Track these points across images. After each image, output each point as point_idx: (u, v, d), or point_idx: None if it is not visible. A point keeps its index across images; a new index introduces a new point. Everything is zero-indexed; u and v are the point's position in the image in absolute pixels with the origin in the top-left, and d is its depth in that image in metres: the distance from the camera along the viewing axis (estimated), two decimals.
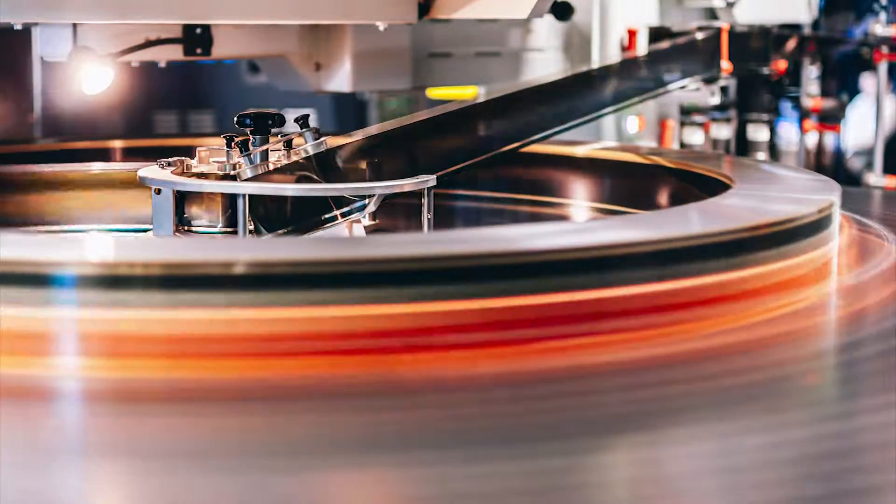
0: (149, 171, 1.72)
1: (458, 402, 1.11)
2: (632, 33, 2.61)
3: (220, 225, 1.68)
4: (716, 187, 1.71)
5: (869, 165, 2.83)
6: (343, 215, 1.69)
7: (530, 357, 1.20)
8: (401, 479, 0.96)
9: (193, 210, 1.69)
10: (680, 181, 1.94)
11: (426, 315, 1.18)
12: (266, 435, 1.04)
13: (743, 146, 2.81)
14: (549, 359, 1.20)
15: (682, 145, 2.73)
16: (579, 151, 2.16)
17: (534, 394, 1.14)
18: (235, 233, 1.65)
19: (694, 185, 1.86)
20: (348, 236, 1.70)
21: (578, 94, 2.05)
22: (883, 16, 2.66)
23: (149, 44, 2.07)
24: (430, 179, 1.70)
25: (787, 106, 2.94)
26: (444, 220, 2.16)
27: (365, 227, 1.74)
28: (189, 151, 1.75)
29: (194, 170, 1.72)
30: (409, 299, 1.18)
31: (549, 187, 2.17)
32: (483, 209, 2.21)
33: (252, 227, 1.64)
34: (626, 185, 2.07)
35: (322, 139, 1.72)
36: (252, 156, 1.67)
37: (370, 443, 1.02)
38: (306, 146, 1.71)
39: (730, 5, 2.75)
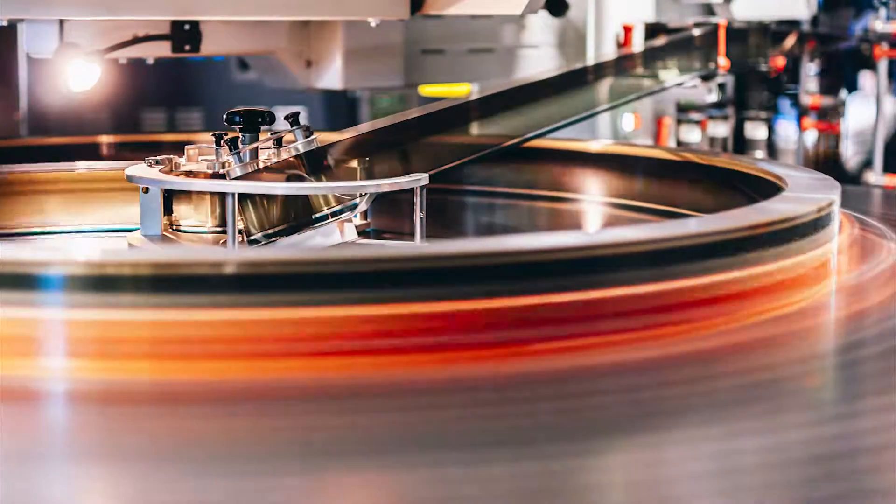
0: (136, 169, 1.71)
1: (454, 404, 1.10)
2: (627, 30, 2.61)
3: (209, 224, 1.68)
4: (766, 188, 1.70)
5: (868, 164, 2.82)
6: (334, 214, 1.68)
7: (528, 358, 1.19)
8: (396, 482, 0.95)
9: (182, 209, 1.68)
10: (729, 182, 1.92)
11: (422, 316, 1.17)
12: (258, 437, 1.02)
13: (741, 144, 2.81)
14: (547, 360, 1.19)
15: (679, 143, 2.72)
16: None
17: (531, 395, 1.12)
18: (224, 232, 1.64)
19: (745, 186, 1.84)
20: (340, 236, 1.69)
21: (573, 91, 2.04)
22: (883, 12, 2.65)
23: (136, 40, 2.07)
24: (423, 178, 1.69)
25: (785, 103, 2.93)
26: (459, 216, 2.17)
27: (356, 227, 1.73)
28: (178, 149, 1.74)
29: (183, 168, 1.71)
30: (404, 300, 1.17)
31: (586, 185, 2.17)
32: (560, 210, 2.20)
33: (241, 227, 1.63)
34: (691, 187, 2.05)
35: (313, 137, 1.71)
36: (241, 154, 1.66)
37: (365, 445, 1.01)
38: (297, 144, 1.70)
39: (727, 1, 2.74)
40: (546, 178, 2.17)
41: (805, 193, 1.54)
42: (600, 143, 2.22)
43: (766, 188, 1.69)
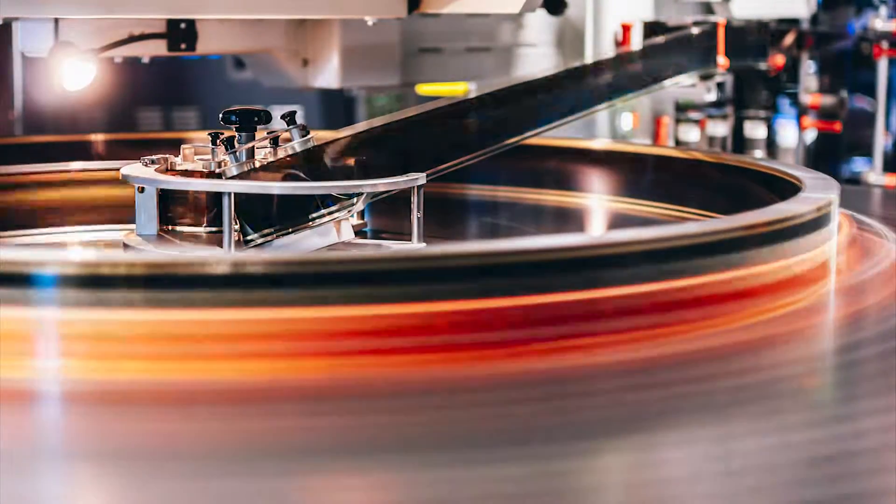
0: (132, 168, 1.70)
1: (450, 404, 1.10)
2: (626, 28, 2.61)
3: (205, 224, 1.67)
4: (783, 188, 1.69)
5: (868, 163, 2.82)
6: (330, 214, 1.68)
7: (525, 359, 1.18)
8: (392, 483, 0.94)
9: (178, 209, 1.68)
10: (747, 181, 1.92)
11: (420, 316, 1.16)
12: (256, 437, 1.02)
13: (740, 143, 2.80)
14: (545, 360, 1.18)
15: (678, 143, 2.72)
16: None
17: (529, 396, 1.12)
18: (220, 232, 1.63)
19: (762, 186, 1.83)
20: (336, 235, 1.69)
21: (571, 90, 2.04)
22: (883, 10, 2.65)
23: (132, 39, 2.07)
24: (420, 178, 1.68)
25: (784, 102, 2.93)
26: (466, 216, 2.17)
27: (353, 227, 1.72)
28: (174, 148, 1.74)
29: (179, 167, 1.71)
30: (401, 300, 1.16)
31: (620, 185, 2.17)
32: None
33: (237, 227, 1.62)
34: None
35: (309, 136, 1.70)
36: (238, 153, 1.65)
37: (360, 445, 1.00)
38: (293, 143, 1.69)
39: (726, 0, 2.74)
40: (546, 176, 2.17)
41: (804, 193, 1.53)
42: (603, 143, 2.22)
43: (782, 188, 1.69)
